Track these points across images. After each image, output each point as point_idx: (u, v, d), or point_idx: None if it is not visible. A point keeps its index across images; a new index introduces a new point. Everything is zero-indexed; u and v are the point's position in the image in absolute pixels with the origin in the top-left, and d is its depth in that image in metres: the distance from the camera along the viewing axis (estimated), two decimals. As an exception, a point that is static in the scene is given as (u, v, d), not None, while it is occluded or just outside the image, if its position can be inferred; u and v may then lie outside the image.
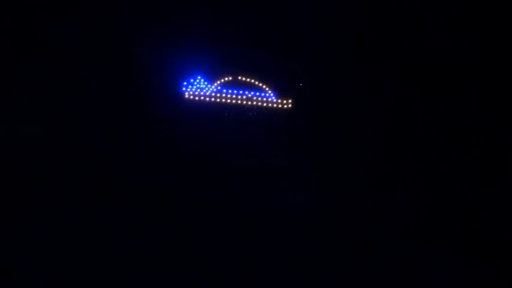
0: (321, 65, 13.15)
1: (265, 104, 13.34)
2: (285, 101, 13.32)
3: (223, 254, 8.93)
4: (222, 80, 13.41)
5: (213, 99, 13.41)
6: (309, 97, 13.24)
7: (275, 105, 13.34)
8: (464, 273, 8.65)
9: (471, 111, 12.26)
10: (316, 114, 13.18)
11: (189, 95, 13.38)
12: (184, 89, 13.36)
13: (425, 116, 12.56)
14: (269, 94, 13.38)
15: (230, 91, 13.37)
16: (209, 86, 13.43)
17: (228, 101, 13.38)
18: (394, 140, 12.71)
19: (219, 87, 13.41)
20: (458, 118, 12.37)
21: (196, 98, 13.38)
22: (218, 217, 10.33)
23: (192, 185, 11.85)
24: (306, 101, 13.22)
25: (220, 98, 13.40)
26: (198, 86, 13.42)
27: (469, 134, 12.19)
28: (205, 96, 13.40)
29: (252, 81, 13.38)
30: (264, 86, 13.40)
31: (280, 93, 13.35)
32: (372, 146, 12.80)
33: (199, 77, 13.39)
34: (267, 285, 8.19)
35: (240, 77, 13.38)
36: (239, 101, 13.34)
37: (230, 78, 13.40)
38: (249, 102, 13.32)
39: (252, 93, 13.37)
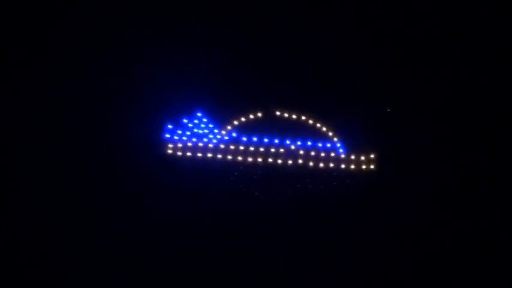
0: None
1: (323, 165, 6.43)
2: (362, 158, 6.39)
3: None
4: (241, 120, 6.80)
5: (219, 156, 6.75)
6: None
7: (343, 165, 6.39)
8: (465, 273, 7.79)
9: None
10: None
11: (175, 148, 6.87)
12: (168, 135, 6.91)
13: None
14: (333, 145, 6.49)
15: (255, 139, 6.68)
16: (215, 130, 6.85)
17: (250, 159, 6.62)
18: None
19: (233, 134, 6.77)
20: None
21: (188, 154, 6.81)
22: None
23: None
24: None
25: (235, 155, 6.70)
26: (194, 130, 6.90)
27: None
28: (205, 150, 6.81)
29: (304, 118, 6.63)
30: (326, 130, 6.59)
31: (353, 143, 6.47)
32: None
33: (199, 114, 6.91)
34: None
35: (277, 112, 6.71)
36: (270, 160, 6.53)
37: (259, 114, 6.76)
38: (292, 162, 6.47)
39: (299, 143, 6.57)
